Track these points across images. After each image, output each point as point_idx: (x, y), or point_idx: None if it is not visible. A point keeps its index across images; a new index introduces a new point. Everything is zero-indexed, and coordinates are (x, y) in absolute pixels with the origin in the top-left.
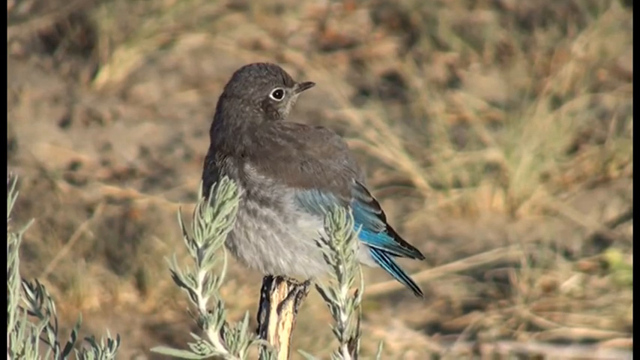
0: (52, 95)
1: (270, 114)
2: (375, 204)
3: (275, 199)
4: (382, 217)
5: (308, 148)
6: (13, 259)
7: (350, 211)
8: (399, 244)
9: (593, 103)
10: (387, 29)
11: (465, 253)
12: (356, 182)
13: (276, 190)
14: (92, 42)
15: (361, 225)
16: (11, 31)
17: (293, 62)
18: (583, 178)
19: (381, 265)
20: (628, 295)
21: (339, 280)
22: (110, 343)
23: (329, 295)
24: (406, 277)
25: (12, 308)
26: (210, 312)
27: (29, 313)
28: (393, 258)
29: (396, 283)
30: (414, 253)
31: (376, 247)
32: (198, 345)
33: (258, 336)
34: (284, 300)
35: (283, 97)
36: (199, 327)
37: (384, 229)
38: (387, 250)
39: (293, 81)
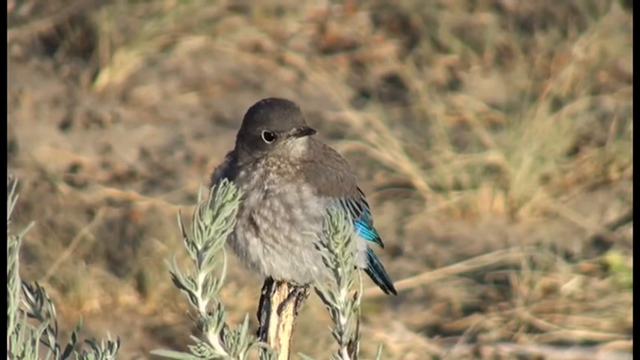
0: (52, 97)
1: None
2: (366, 201)
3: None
4: (369, 209)
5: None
6: (14, 261)
7: (362, 215)
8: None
9: (594, 105)
10: (387, 31)
11: (466, 255)
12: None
13: (330, 205)
14: (92, 44)
15: (359, 229)
16: (11, 34)
17: (293, 64)
18: (583, 181)
19: (369, 267)
20: (628, 297)
21: (338, 282)
22: (110, 346)
23: (328, 297)
24: (385, 277)
25: (12, 311)
26: (210, 314)
27: (29, 315)
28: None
29: (396, 286)
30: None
31: (368, 240)
32: (199, 347)
33: (259, 338)
34: (284, 301)
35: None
36: (199, 329)
37: (372, 220)
38: (374, 242)
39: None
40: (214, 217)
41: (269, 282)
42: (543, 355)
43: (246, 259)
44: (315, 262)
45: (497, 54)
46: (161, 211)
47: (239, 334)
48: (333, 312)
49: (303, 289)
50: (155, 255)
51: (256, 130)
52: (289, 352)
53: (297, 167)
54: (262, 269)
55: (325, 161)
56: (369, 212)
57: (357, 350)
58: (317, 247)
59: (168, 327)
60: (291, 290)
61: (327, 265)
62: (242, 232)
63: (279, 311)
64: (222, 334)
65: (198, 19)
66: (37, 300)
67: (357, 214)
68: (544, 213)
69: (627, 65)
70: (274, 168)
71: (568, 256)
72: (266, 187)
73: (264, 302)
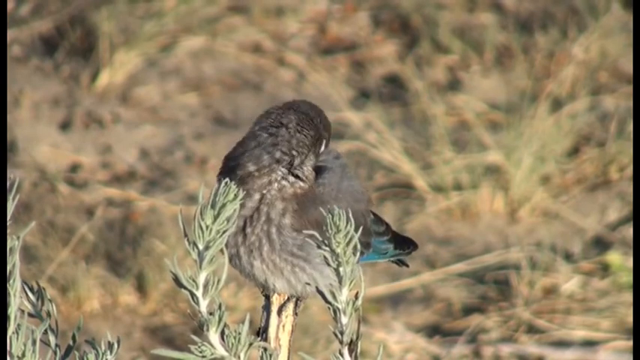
0: (52, 98)
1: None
2: (386, 230)
3: (305, 256)
4: (390, 237)
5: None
6: (14, 261)
7: (370, 250)
8: (400, 251)
9: (594, 105)
10: (387, 32)
11: (466, 256)
12: (372, 214)
13: (306, 246)
14: (92, 44)
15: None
16: (11, 34)
17: (293, 64)
18: (583, 181)
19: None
20: (628, 297)
21: (340, 282)
22: (111, 346)
23: (329, 297)
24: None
25: (12, 311)
26: (210, 314)
27: (30, 315)
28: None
29: (396, 286)
30: (410, 250)
31: (382, 260)
32: (199, 347)
33: (259, 338)
34: (284, 302)
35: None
36: (200, 329)
37: (391, 246)
38: (391, 260)
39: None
40: (215, 217)
41: None
42: (543, 355)
43: (254, 279)
44: (305, 288)
45: (497, 54)
46: (161, 211)
47: (240, 334)
48: (335, 311)
49: None
50: (155, 255)
51: (324, 134)
52: (289, 352)
53: (304, 188)
54: (268, 288)
55: (336, 192)
56: (385, 241)
57: (358, 350)
58: (319, 247)
59: (168, 327)
60: None
61: (328, 264)
62: (247, 255)
63: (280, 312)
64: (222, 334)
65: (198, 19)
66: (37, 300)
67: (362, 253)
68: (544, 213)
69: (627, 65)
70: (299, 174)
71: (568, 256)
72: (267, 196)
73: (265, 302)
